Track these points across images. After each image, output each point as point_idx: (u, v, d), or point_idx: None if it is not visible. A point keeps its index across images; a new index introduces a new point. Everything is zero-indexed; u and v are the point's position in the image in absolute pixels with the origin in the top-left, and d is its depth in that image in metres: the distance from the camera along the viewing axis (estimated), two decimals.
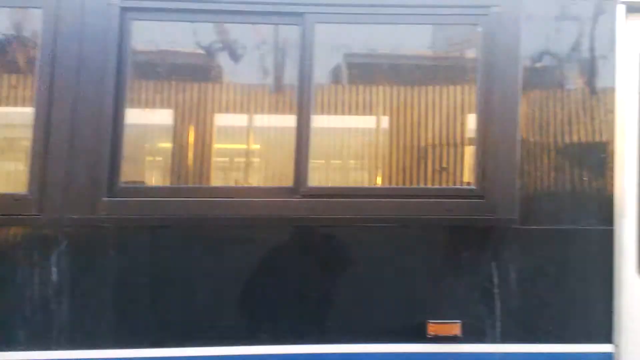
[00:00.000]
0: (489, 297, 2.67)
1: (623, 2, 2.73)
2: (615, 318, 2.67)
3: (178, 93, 2.98)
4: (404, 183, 2.92)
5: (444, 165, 2.94)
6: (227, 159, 3.21)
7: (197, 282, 2.62)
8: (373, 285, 2.66)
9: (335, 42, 2.88)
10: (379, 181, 3.04)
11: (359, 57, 3.04)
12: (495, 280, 2.67)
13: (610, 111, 2.72)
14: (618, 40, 2.73)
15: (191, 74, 3.02)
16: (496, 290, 2.67)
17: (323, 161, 3.04)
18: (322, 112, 2.95)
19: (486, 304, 2.66)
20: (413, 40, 2.92)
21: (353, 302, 2.65)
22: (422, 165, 2.93)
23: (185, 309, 2.60)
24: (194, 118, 3.01)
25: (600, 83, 2.74)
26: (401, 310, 2.67)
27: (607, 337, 2.67)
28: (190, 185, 2.95)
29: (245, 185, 2.98)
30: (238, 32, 2.92)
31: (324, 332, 2.63)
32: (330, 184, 2.96)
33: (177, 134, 3.04)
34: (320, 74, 2.87)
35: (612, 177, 2.71)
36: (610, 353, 2.66)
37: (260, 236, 2.66)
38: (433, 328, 2.63)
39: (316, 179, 2.84)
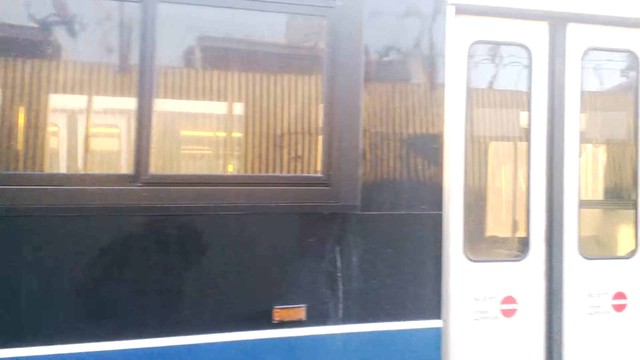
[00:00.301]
0: (332, 281, 2.77)
1: (453, 4, 2.96)
2: (444, 295, 2.92)
3: (6, 70, 2.67)
4: (253, 171, 2.91)
5: (294, 153, 2.97)
6: (62, 144, 2.95)
7: (27, 278, 2.39)
8: (219, 275, 2.63)
9: (183, 23, 2.77)
10: (229, 169, 3.00)
11: (209, 41, 2.95)
12: (339, 264, 2.78)
13: (441, 105, 2.95)
14: (448, 39, 2.96)
15: (22, 50, 2.72)
16: (339, 274, 2.78)
17: (169, 147, 2.92)
18: (170, 96, 2.83)
19: (330, 288, 2.76)
20: (264, 29, 2.91)
21: (198, 293, 2.60)
22: (272, 153, 2.94)
23: (12, 308, 2.37)
24: (25, 98, 2.71)
25: (432, 78, 2.95)
26: (248, 298, 2.67)
27: (437, 313, 2.91)
28: (20, 172, 2.66)
29: (81, 172, 2.76)
30: (76, 5, 2.68)
31: (166, 325, 2.54)
32: (175, 172, 2.84)
33: (4, 115, 2.72)
34: (167, 56, 2.74)
35: (442, 166, 2.95)
36: (439, 328, 2.90)
37: (97, 226, 2.50)
38: (279, 313, 2.67)
39: (160, 166, 2.72)
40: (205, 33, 2.87)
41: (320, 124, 2.87)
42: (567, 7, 3.15)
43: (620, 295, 3.25)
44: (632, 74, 3.37)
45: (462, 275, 3.05)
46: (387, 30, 2.89)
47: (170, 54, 2.77)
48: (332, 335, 2.75)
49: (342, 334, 2.77)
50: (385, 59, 2.90)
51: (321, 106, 2.87)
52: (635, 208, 3.30)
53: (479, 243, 3.36)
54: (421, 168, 2.92)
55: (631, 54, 3.34)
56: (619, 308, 3.26)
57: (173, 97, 2.78)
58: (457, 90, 3.05)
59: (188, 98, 2.82)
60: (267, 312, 2.67)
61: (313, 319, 2.72)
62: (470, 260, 3.07)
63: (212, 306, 2.61)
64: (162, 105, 2.69)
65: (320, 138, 2.92)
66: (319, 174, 2.80)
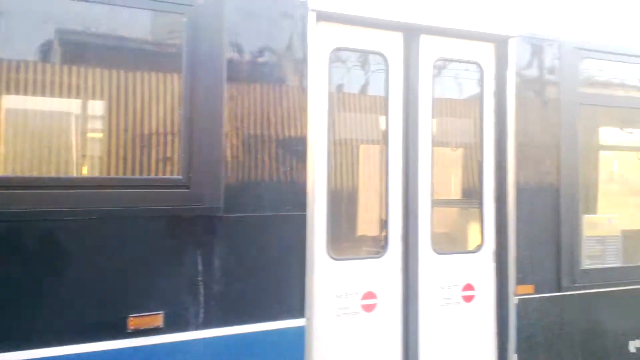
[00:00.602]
0: (193, 286, 2.70)
1: (314, 10, 3.03)
2: (307, 294, 2.98)
3: None
4: (109, 173, 2.76)
5: (154, 155, 2.85)
6: None
7: None
8: (67, 284, 2.46)
9: (34, 14, 2.56)
10: (83, 171, 2.82)
11: (63, 34, 2.75)
12: (200, 268, 2.72)
13: (304, 108, 3.01)
14: (310, 44, 3.02)
15: None
16: (200, 278, 2.72)
17: (11, 147, 2.68)
18: (18, 92, 2.60)
19: (191, 293, 2.70)
20: (123, 23, 2.76)
21: (43, 304, 2.41)
22: (132, 155, 2.80)
23: None
24: None
25: (296, 81, 2.99)
26: (101, 307, 2.52)
27: (300, 312, 2.96)
28: None
29: None
30: None
31: (5, 340, 2.33)
32: (19, 174, 2.61)
33: None
34: (13, 49, 2.53)
35: (306, 168, 3.01)
36: (303, 326, 2.96)
37: None
38: (134, 322, 2.56)
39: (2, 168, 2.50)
40: (59, 25, 2.67)
41: (177, 124, 2.79)
42: (420, 19, 3.36)
43: (468, 287, 3.54)
44: (479, 83, 3.68)
45: (325, 273, 3.13)
46: (251, 31, 2.89)
47: (17, 47, 2.56)
48: (192, 340, 2.69)
49: (203, 339, 2.71)
50: (249, 60, 2.88)
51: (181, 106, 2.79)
52: (481, 206, 3.61)
53: (346, 242, 3.48)
54: (286, 170, 2.95)
55: (478, 65, 3.65)
56: (468, 299, 3.54)
57: (19, 93, 2.56)
58: (320, 95, 3.13)
59: (37, 95, 2.61)
60: (122, 321, 2.55)
61: (171, 325, 2.64)
62: (333, 258, 3.16)
63: (61, 317, 2.44)
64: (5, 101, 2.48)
65: (176, 139, 2.83)
66: (178, 176, 2.73)
